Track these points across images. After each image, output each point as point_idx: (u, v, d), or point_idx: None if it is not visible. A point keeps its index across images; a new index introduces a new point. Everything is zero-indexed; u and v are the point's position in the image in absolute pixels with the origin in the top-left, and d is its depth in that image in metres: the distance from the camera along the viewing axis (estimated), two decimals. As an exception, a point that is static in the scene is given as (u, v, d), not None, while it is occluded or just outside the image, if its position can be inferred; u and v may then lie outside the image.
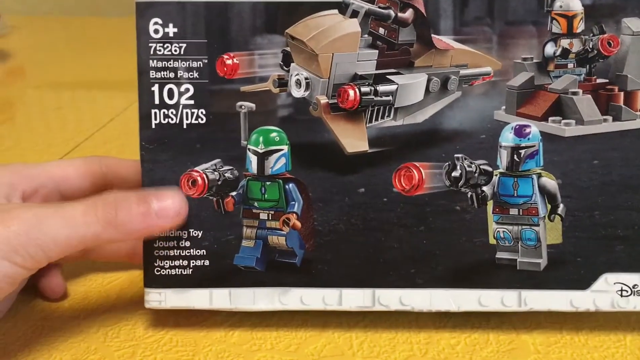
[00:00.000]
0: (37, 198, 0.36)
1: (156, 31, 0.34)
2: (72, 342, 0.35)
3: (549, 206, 0.35)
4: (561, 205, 0.34)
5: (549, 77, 0.34)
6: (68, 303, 0.38)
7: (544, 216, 0.35)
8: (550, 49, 0.34)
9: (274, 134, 0.35)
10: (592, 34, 0.34)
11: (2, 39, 0.84)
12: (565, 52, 0.34)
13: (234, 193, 0.35)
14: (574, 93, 0.34)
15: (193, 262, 0.35)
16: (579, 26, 0.34)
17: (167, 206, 0.32)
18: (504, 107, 0.34)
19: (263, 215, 0.35)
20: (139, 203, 0.32)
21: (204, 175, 0.35)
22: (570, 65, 0.34)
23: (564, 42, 0.34)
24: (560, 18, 0.34)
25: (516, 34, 0.34)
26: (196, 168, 0.35)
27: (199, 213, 0.35)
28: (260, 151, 0.35)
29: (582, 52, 0.34)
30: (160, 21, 0.34)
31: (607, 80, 0.34)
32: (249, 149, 0.35)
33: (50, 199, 0.36)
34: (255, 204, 0.35)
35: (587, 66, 0.34)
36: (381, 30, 0.35)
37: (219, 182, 0.35)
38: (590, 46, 0.34)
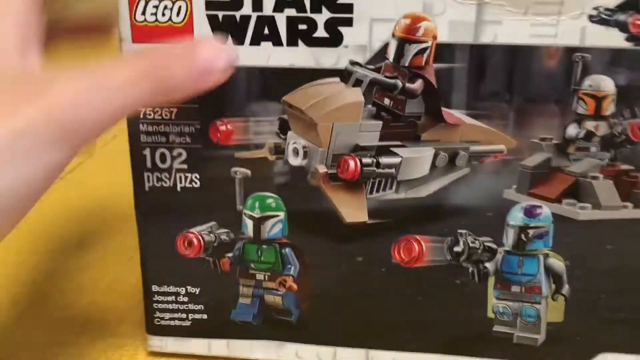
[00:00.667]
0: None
1: (145, 95, 0.32)
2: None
3: (553, 286, 0.33)
4: (566, 286, 0.33)
5: (568, 159, 0.31)
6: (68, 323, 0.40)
7: (547, 295, 0.33)
8: (573, 130, 0.31)
9: (270, 200, 0.33)
10: (622, 118, 0.30)
11: None
12: (589, 135, 0.31)
13: (230, 254, 0.35)
14: (594, 177, 0.31)
15: (191, 316, 0.36)
16: (609, 108, 0.30)
17: (219, 56, 0.26)
18: (515, 186, 0.32)
19: (259, 276, 0.35)
20: (185, 48, 0.26)
21: (200, 237, 0.34)
22: (593, 149, 0.31)
23: (590, 125, 0.31)
24: (588, 98, 0.30)
25: (536, 112, 0.31)
26: (192, 229, 0.34)
27: (196, 271, 0.35)
28: (257, 216, 0.34)
29: (608, 136, 0.31)
30: (148, 85, 0.31)
31: (633, 167, 0.31)
32: (245, 214, 0.34)
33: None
34: (252, 265, 0.35)
35: (612, 151, 0.31)
36: (386, 101, 0.32)
37: (215, 244, 0.34)
38: (619, 130, 0.30)
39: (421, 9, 0.30)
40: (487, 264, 0.34)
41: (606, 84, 0.30)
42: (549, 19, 0.29)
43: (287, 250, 0.35)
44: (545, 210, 0.32)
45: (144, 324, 0.37)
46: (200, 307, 0.36)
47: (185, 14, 0.30)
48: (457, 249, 0.33)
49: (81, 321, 0.41)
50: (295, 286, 0.35)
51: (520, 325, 0.34)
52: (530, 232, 0.33)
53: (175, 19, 0.30)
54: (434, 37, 0.30)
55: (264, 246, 0.35)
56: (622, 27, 0.29)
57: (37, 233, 0.49)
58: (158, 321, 0.36)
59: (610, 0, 0.28)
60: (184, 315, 0.36)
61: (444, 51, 0.30)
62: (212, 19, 0.30)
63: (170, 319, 0.36)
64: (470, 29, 0.30)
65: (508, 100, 0.31)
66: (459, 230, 0.33)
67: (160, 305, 0.36)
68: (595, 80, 0.30)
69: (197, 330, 0.36)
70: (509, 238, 0.33)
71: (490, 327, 0.35)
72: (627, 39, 0.29)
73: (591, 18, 0.29)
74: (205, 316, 0.36)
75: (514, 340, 0.35)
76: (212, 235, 0.35)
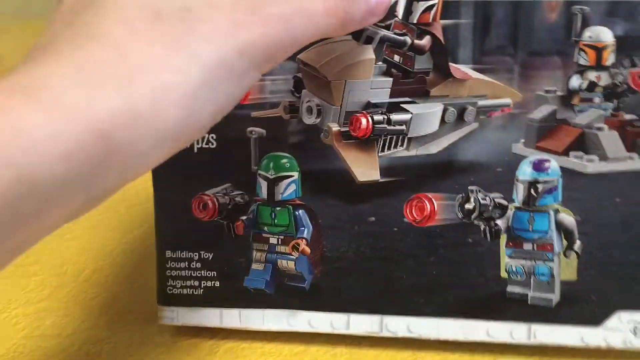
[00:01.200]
0: None
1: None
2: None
3: (565, 242, 0.34)
4: (578, 242, 0.33)
5: (573, 111, 0.33)
6: (50, 321, 0.39)
7: (559, 252, 0.34)
8: (575, 81, 0.32)
9: (284, 160, 0.34)
10: (622, 67, 0.31)
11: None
12: (592, 86, 0.32)
13: (244, 217, 0.35)
14: (599, 129, 0.32)
15: (204, 283, 0.36)
16: (609, 58, 0.32)
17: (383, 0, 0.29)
18: (522, 140, 0.33)
19: (273, 240, 0.35)
20: (366, 2, 0.28)
21: (215, 199, 0.35)
22: (597, 100, 0.32)
23: (591, 75, 0.32)
24: (588, 49, 0.31)
25: (540, 65, 0.32)
26: (207, 192, 0.35)
27: (210, 235, 0.35)
28: (271, 177, 0.34)
29: (610, 86, 0.32)
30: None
31: (636, 117, 0.32)
32: (259, 175, 0.35)
33: None
34: (265, 228, 0.35)
35: (615, 101, 0.32)
36: (396, 58, 0.33)
37: (229, 206, 0.35)
38: (620, 80, 0.32)
39: (428, -33, 0.32)
40: (499, 221, 0.34)
41: (605, 35, 0.31)
42: (548, -26, 0.31)
43: (301, 212, 0.35)
44: (554, 164, 0.33)
45: (154, 296, 0.37)
46: (213, 273, 0.36)
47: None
48: (468, 206, 0.34)
49: (87, 294, 0.41)
50: (308, 249, 0.35)
51: (534, 285, 0.35)
52: (540, 186, 0.33)
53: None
54: (441, -6, 0.32)
55: (278, 208, 0.35)
56: (617, -21, 0.30)
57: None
58: (170, 290, 0.36)
59: (604, -46, 0.30)
60: (196, 283, 0.36)
61: (450, 8, 0.32)
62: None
63: (183, 287, 0.36)
64: (475, -15, 0.31)
65: (512, 54, 0.32)
66: (469, 187, 0.34)
67: (173, 273, 0.36)
68: (595, 32, 0.31)
69: (209, 300, 0.36)
70: (519, 194, 0.34)
71: (504, 287, 0.35)
72: (622, -10, 0.31)
73: (587, -28, 0.31)
74: (217, 283, 0.36)
75: (528, 301, 0.35)
76: (226, 197, 0.35)
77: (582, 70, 0.32)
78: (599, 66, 0.32)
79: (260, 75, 0.26)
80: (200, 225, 0.36)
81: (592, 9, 0.31)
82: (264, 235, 0.36)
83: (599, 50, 0.32)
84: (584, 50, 0.32)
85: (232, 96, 0.25)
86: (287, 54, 0.26)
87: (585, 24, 0.32)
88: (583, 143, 0.33)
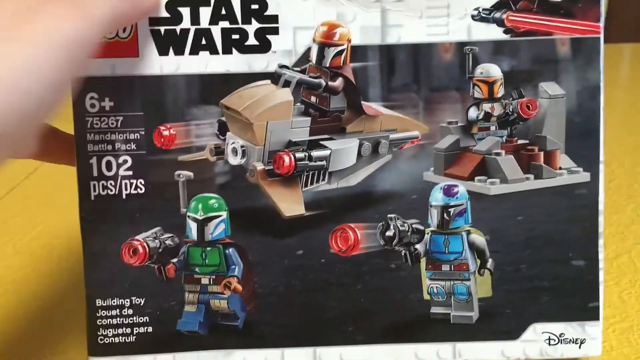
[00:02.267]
0: None
1: (92, 105, 0.35)
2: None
3: (478, 261, 0.36)
4: (490, 260, 0.36)
5: (474, 139, 0.36)
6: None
7: (474, 271, 0.36)
8: (473, 113, 0.36)
9: (212, 201, 0.36)
10: (512, 98, 0.36)
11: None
12: (488, 116, 0.36)
13: (175, 260, 0.36)
14: (497, 154, 0.36)
15: (136, 329, 0.36)
16: (499, 91, 0.36)
17: None
18: (432, 169, 0.36)
19: (204, 280, 0.36)
20: None
21: (145, 244, 0.35)
22: (493, 128, 0.36)
23: (486, 107, 0.36)
24: (481, 84, 0.35)
25: (441, 99, 0.36)
26: (136, 237, 0.35)
27: (141, 281, 0.36)
28: (200, 218, 0.36)
29: (503, 115, 0.36)
30: (96, 95, 0.35)
31: (528, 141, 0.36)
32: (188, 217, 0.36)
33: None
34: (197, 269, 0.36)
35: (509, 128, 0.36)
36: (313, 99, 0.36)
37: (160, 250, 0.36)
38: (511, 109, 0.36)
39: (335, 17, 0.35)
40: (418, 246, 0.37)
41: (494, 71, 0.36)
42: (440, 20, 0.35)
43: (231, 250, 0.36)
44: (462, 189, 0.36)
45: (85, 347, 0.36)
46: (145, 319, 0.36)
47: (131, 30, 0.34)
48: (388, 233, 0.36)
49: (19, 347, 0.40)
50: (240, 287, 0.36)
51: (455, 304, 0.37)
52: (451, 210, 0.36)
53: (121, 34, 0.34)
54: (349, 40, 0.35)
55: (208, 248, 0.36)
56: (499, 22, 0.35)
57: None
58: (102, 339, 0.36)
59: (487, 2, 0.35)
60: (128, 330, 0.36)
61: (358, 52, 0.35)
62: (155, 33, 0.35)
63: (115, 335, 0.36)
64: (378, 32, 0.35)
65: (416, 91, 0.36)
66: (388, 215, 0.36)
67: (104, 322, 0.36)
68: (485, 68, 0.36)
69: (142, 346, 0.36)
70: (434, 218, 0.36)
71: (428, 309, 0.37)
72: (505, 32, 0.35)
73: (473, 17, 0.35)
74: (150, 329, 0.36)
75: (450, 320, 0.37)
76: (156, 241, 0.36)
77: (478, 103, 0.36)
78: (491, 98, 0.36)
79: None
80: (130, 271, 0.36)
81: (481, 48, 0.36)
82: (196, 276, 0.37)
83: (490, 84, 0.36)
84: (477, 85, 0.36)
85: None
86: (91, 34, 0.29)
87: (476, 62, 0.36)
88: (485, 168, 0.37)
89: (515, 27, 0.35)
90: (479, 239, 0.37)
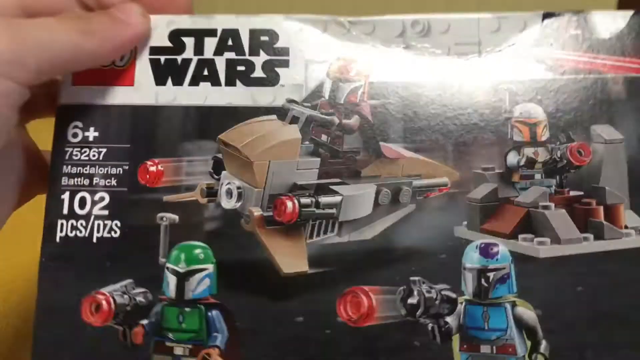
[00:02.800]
0: None
1: (75, 135, 0.31)
2: None
3: (529, 343, 0.28)
4: (543, 342, 0.28)
5: (515, 189, 0.30)
6: None
7: (524, 356, 0.28)
8: (513, 158, 0.30)
9: (198, 251, 0.30)
10: (559, 142, 0.30)
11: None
12: (531, 162, 0.30)
13: (145, 321, 0.29)
14: (545, 207, 0.30)
15: (85, 410, 0.28)
16: (544, 134, 0.30)
17: (130, 8, 0.31)
18: (465, 223, 0.29)
19: (178, 350, 0.29)
20: (104, 14, 0.30)
21: (111, 299, 0.29)
22: (538, 176, 0.30)
23: (528, 151, 0.30)
24: (521, 125, 0.30)
25: (473, 141, 0.30)
26: (102, 290, 0.29)
27: (99, 346, 0.28)
28: (181, 271, 0.29)
29: (549, 161, 0.30)
30: (80, 124, 0.31)
31: (582, 193, 0.30)
32: (167, 268, 0.29)
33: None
34: (170, 335, 0.29)
35: (557, 177, 0.30)
36: (324, 137, 0.31)
37: (128, 308, 0.29)
38: (559, 155, 0.30)
39: (353, 51, 0.32)
40: (449, 319, 0.29)
41: (536, 111, 0.31)
42: (471, 57, 0.31)
43: (214, 313, 0.30)
44: (502, 249, 0.30)
45: None
46: (99, 396, 0.28)
47: (129, 58, 0.32)
48: (411, 300, 0.29)
49: None
50: (221, 361, 0.29)
51: (500, 399, 0.28)
52: (491, 275, 0.29)
53: (118, 62, 0.32)
54: (366, 77, 0.31)
55: (187, 309, 0.30)
56: (540, 60, 0.31)
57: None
58: (40, 420, 0.28)
59: (524, 39, 0.31)
60: (76, 410, 0.28)
61: (377, 88, 0.31)
62: (154, 62, 0.32)
63: (57, 416, 0.28)
64: (400, 68, 0.31)
65: (444, 132, 0.31)
66: (411, 278, 0.29)
67: (47, 396, 0.28)
68: (525, 108, 0.31)
69: None
70: (468, 284, 0.29)
71: (463, 404, 0.28)
72: (547, 70, 0.31)
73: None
74: (103, 410, 0.28)
75: (495, 421, 0.28)
76: (125, 296, 0.30)
77: (518, 147, 0.31)
78: (534, 142, 0.31)
79: (17, 83, 0.28)
80: (89, 332, 0.29)
81: (517, 87, 0.31)
82: (168, 343, 0.29)
83: (531, 126, 0.31)
84: (516, 127, 0.31)
85: None
86: (42, 56, 0.28)
87: (514, 102, 0.31)
88: (530, 224, 0.30)
89: (559, 64, 0.31)
90: (527, 313, 0.29)
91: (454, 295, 0.29)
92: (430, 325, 0.29)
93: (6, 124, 0.28)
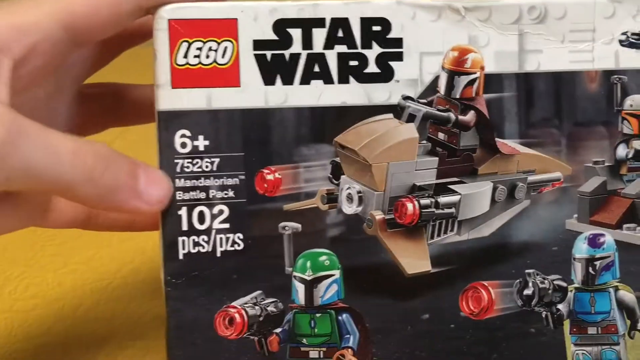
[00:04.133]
0: (35, 59, 0.27)
1: (183, 145, 0.29)
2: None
3: (628, 322, 0.31)
4: (641, 321, 0.31)
5: (622, 181, 0.31)
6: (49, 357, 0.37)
7: (624, 333, 0.31)
8: (622, 151, 0.31)
9: (323, 258, 0.30)
10: (667, 134, 0.31)
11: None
12: (638, 154, 0.31)
13: (278, 330, 0.30)
14: (649, 197, 0.31)
15: (233, 417, 0.29)
16: (653, 126, 0.31)
17: (152, 192, 0.28)
18: (575, 216, 0.31)
19: (313, 354, 0.30)
20: (129, 174, 0.27)
21: (243, 312, 0.29)
22: (645, 168, 0.31)
23: (637, 144, 0.31)
24: (631, 118, 0.31)
25: (586, 135, 0.31)
26: (233, 303, 0.29)
27: (239, 357, 0.29)
28: (308, 278, 0.30)
29: (656, 153, 0.31)
30: (188, 133, 0.29)
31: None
32: (294, 277, 0.30)
33: (55, 57, 0.28)
34: (304, 340, 0.30)
35: (663, 169, 0.31)
36: (441, 135, 0.31)
37: (261, 318, 0.29)
38: (667, 147, 0.31)
39: (467, 41, 0.30)
40: (560, 306, 0.31)
41: (646, 103, 0.31)
42: (584, 45, 0.31)
43: (345, 316, 0.30)
44: (609, 238, 0.31)
45: (151, 331, 0.33)
46: (243, 404, 0.30)
47: (232, 55, 0.29)
48: (527, 291, 0.31)
49: (85, 329, 0.38)
50: (355, 360, 0.30)
51: (604, 373, 0.31)
52: (597, 263, 0.31)
53: (220, 60, 0.29)
54: (482, 68, 0.30)
55: (318, 314, 0.30)
56: (651, 48, 0.31)
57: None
58: None
59: (636, 26, 0.31)
60: (223, 419, 0.30)
61: (493, 81, 0.30)
62: (260, 59, 0.29)
63: None
64: (515, 58, 0.30)
65: (558, 126, 0.31)
66: (526, 271, 0.31)
67: (194, 409, 0.29)
68: (636, 100, 0.31)
69: None
70: (578, 273, 0.31)
71: (573, 379, 0.31)
72: (657, 59, 0.31)
73: (621, 42, 0.31)
74: (249, 415, 0.30)
75: (600, 392, 0.31)
76: (257, 307, 0.30)
77: (627, 139, 0.31)
78: (643, 134, 0.31)
79: None
80: (225, 346, 0.29)
81: (630, 78, 0.31)
82: (303, 349, 0.31)
83: (640, 118, 0.31)
84: (627, 119, 0.31)
85: None
86: (19, 180, 0.25)
87: (625, 93, 0.31)
88: (635, 214, 0.32)
89: (669, 53, 0.31)
90: (628, 295, 0.32)
91: (565, 284, 0.32)
92: (544, 313, 0.32)
93: None
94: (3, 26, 0.26)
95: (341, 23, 0.30)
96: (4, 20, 0.26)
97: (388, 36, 0.30)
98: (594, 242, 0.32)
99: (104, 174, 0.26)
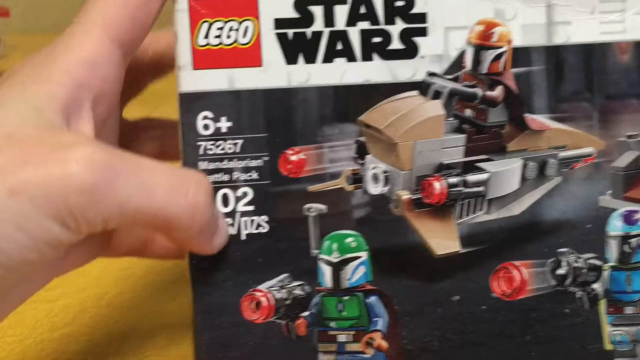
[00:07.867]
0: (110, 87, 0.27)
1: (206, 127, 0.28)
2: None
3: (667, 301, 0.30)
4: (680, 298, 0.30)
5: (657, 155, 0.30)
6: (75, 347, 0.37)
7: (663, 313, 0.30)
8: (656, 124, 0.30)
9: (349, 239, 0.29)
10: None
11: (3, 59, 0.77)
12: (673, 127, 0.30)
13: (305, 313, 0.30)
14: (685, 172, 0.30)
15: (261, 403, 0.29)
16: (688, 98, 0.30)
17: (222, 238, 0.29)
18: (609, 192, 0.30)
19: (342, 337, 0.30)
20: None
21: (270, 295, 0.29)
22: (680, 142, 0.30)
23: (672, 117, 0.30)
24: (665, 90, 0.30)
25: (619, 109, 0.30)
26: (259, 287, 0.29)
27: (266, 341, 0.29)
28: (335, 260, 0.29)
29: (692, 126, 0.30)
30: (210, 115, 0.28)
31: None
32: (320, 259, 0.29)
33: (121, 77, 0.28)
34: (332, 324, 0.30)
35: (699, 141, 0.30)
36: (468, 112, 0.30)
37: (288, 302, 0.29)
38: (701, 119, 0.30)
39: (493, 14, 0.29)
40: (595, 285, 0.31)
41: (680, 74, 0.30)
42: (615, 15, 0.30)
43: (373, 299, 0.30)
44: (644, 215, 0.30)
45: (176, 319, 0.34)
46: (272, 388, 0.29)
47: (253, 35, 0.28)
48: (560, 271, 0.30)
49: (110, 318, 0.39)
50: (385, 344, 0.30)
51: (642, 354, 0.31)
52: (632, 241, 0.30)
53: (241, 40, 0.28)
54: (509, 42, 0.30)
55: (346, 297, 0.30)
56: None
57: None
58: (219, 417, 0.29)
59: (668, -7, 0.30)
60: (252, 405, 0.29)
61: (520, 55, 0.30)
62: (281, 38, 0.29)
63: (235, 411, 0.29)
64: (543, 31, 0.30)
65: (590, 100, 0.30)
66: (559, 250, 0.30)
67: (222, 394, 0.29)
68: (670, 71, 0.30)
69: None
70: (612, 251, 0.31)
71: (611, 361, 0.31)
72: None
73: (654, 11, 0.30)
74: (278, 401, 0.29)
75: (639, 374, 0.30)
76: (283, 291, 0.30)
77: (662, 112, 0.30)
78: (677, 107, 0.30)
79: (75, 232, 0.24)
80: (252, 330, 0.29)
81: (664, 48, 0.30)
82: (331, 332, 0.30)
83: (676, 90, 0.30)
84: (661, 92, 0.30)
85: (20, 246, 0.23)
86: (115, 221, 0.24)
87: (658, 64, 0.30)
88: (671, 189, 0.31)
89: None
90: (666, 274, 0.31)
91: (599, 263, 0.31)
92: (578, 293, 0.31)
93: (42, 262, 0.24)
94: (76, 62, 0.26)
95: (364, -1, 0.29)
96: (73, 55, 0.26)
97: (411, 11, 0.30)
98: (628, 218, 0.31)
99: (204, 209, 0.26)
